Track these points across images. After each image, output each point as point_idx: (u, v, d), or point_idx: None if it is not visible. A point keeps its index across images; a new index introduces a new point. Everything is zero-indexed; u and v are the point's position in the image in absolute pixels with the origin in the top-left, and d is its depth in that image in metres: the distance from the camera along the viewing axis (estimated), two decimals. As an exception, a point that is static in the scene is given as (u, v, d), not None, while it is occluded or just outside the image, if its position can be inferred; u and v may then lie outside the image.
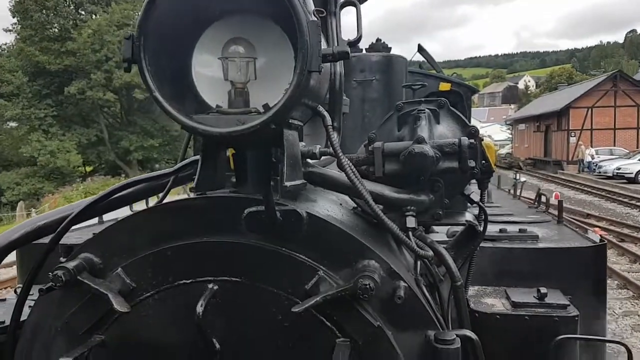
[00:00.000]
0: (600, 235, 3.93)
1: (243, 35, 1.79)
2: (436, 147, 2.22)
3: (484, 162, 2.34)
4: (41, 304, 2.13)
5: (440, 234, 3.82)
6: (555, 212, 4.99)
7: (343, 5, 2.75)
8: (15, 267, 14.97)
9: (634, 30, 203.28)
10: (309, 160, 2.13)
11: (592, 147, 45.08)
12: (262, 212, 1.84)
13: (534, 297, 2.81)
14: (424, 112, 2.43)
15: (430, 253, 2.14)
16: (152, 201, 2.87)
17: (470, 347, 2.00)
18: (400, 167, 2.23)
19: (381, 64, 5.10)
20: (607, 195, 29.97)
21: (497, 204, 6.46)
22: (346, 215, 2.29)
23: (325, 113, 1.93)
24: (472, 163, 2.24)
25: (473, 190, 2.52)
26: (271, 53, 1.84)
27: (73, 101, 52.79)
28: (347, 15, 2.93)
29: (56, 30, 52.22)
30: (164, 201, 2.34)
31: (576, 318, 2.68)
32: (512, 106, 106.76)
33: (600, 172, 38.68)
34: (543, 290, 2.78)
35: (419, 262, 2.28)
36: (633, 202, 26.68)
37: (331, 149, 1.88)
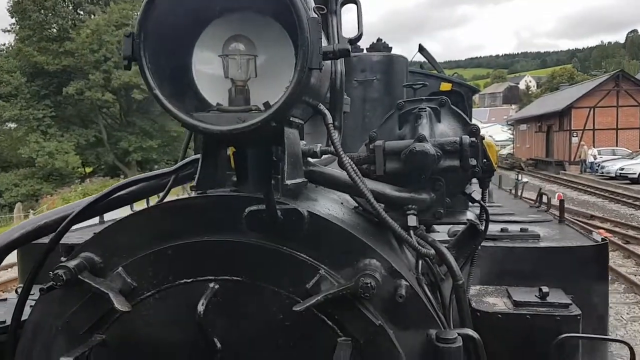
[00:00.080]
0: (606, 237, 3.91)
1: (243, 33, 1.79)
2: (437, 146, 2.22)
3: (485, 160, 2.34)
4: (42, 304, 2.13)
5: (441, 233, 3.81)
6: (557, 212, 4.98)
7: (343, 3, 2.75)
8: (13, 268, 15.05)
9: (635, 31, 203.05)
10: (309, 159, 2.13)
11: (594, 147, 44.84)
12: (263, 211, 1.84)
13: (536, 296, 2.80)
14: (425, 111, 2.42)
15: (432, 251, 2.13)
16: (153, 201, 2.87)
17: (472, 346, 2.00)
18: (401, 166, 2.23)
19: (382, 63, 5.10)
20: (611, 196, 29.55)
21: (498, 204, 6.45)
22: (347, 214, 2.29)
23: (326, 111, 1.93)
24: (473, 161, 2.24)
25: (474, 189, 2.51)
26: (272, 50, 1.84)
27: (71, 102, 52.62)
28: (347, 14, 2.92)
29: (55, 30, 52.04)
30: (165, 200, 2.33)
31: (578, 317, 2.67)
32: (513, 106, 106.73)
33: (602, 173, 38.33)
34: (545, 289, 2.77)
35: (420, 261, 2.27)
36: (637, 202, 26.20)
37: (332, 147, 1.87)
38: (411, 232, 2.12)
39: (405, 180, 2.27)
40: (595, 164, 41.24)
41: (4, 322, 2.31)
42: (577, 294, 2.97)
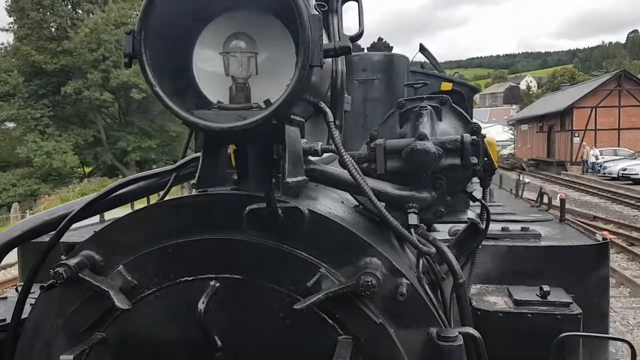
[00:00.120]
0: (610, 239, 3.91)
1: (244, 30, 1.78)
2: (438, 144, 2.22)
3: (486, 159, 2.33)
4: (42, 302, 2.13)
5: (442, 232, 3.81)
6: (558, 212, 4.98)
7: (344, 0, 2.75)
8: (11, 268, 15.06)
9: (635, 31, 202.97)
10: (310, 158, 2.12)
11: (596, 147, 44.70)
12: (263, 209, 1.84)
13: (537, 295, 2.80)
14: (426, 109, 2.42)
15: (433, 250, 2.13)
16: (153, 200, 2.87)
17: (473, 345, 2.00)
18: (402, 164, 2.23)
19: (383, 63, 5.10)
20: (613, 197, 29.14)
21: (499, 203, 6.45)
22: (348, 213, 2.28)
23: (327, 109, 1.93)
24: (474, 160, 2.23)
25: (475, 188, 2.51)
26: (272, 48, 1.84)
27: (70, 101, 52.20)
28: (348, 12, 2.92)
29: (53, 29, 51.82)
30: (165, 199, 2.33)
31: (579, 316, 2.67)
32: (514, 107, 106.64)
33: (604, 173, 38.06)
34: (546, 288, 2.77)
35: (421, 260, 2.27)
36: (640, 203, 25.73)
37: (333, 145, 1.87)
38: (412, 230, 2.12)
39: (406, 179, 2.26)
40: (597, 164, 41.05)
41: (4, 320, 2.31)
42: (578, 293, 2.97)
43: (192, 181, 1.94)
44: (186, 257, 1.93)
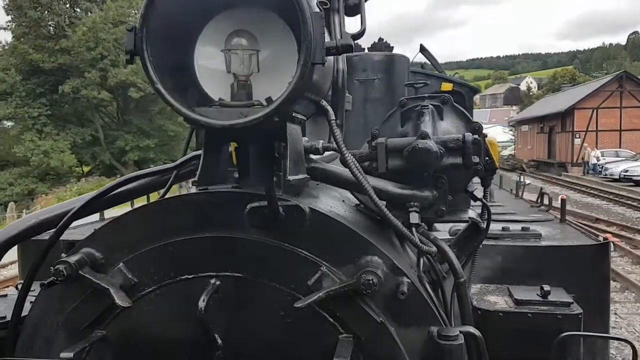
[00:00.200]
0: (613, 242, 3.91)
1: (246, 28, 1.78)
2: (440, 143, 2.21)
3: (487, 158, 2.33)
4: (42, 299, 2.13)
5: (442, 232, 3.81)
6: (558, 213, 4.97)
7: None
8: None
9: (636, 32, 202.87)
10: (311, 156, 2.12)
11: (597, 148, 44.57)
12: (264, 207, 1.83)
13: (537, 294, 2.80)
14: (428, 108, 2.42)
15: (434, 249, 2.13)
16: (153, 198, 2.87)
17: (474, 344, 1.99)
18: (403, 163, 2.22)
19: (383, 63, 5.11)
20: (615, 198, 28.64)
21: (500, 203, 6.45)
22: (349, 212, 2.28)
23: (329, 108, 1.93)
24: (475, 159, 2.23)
25: (476, 187, 2.51)
26: (274, 46, 1.84)
27: (67, 100, 51.78)
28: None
29: (51, 28, 51.50)
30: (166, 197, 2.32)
31: (580, 316, 2.67)
32: (514, 107, 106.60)
33: (606, 175, 37.73)
34: (546, 288, 2.77)
35: (422, 259, 2.27)
36: (643, 205, 25.12)
37: (334, 144, 1.87)
38: (413, 229, 2.12)
39: (407, 178, 2.26)
40: (598, 165, 40.91)
41: (5, 317, 2.31)
42: (579, 293, 2.97)
43: (193, 179, 1.93)
44: (187, 255, 1.93)
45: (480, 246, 2.68)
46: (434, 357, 1.84)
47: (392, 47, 5.56)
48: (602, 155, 42.40)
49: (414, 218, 2.18)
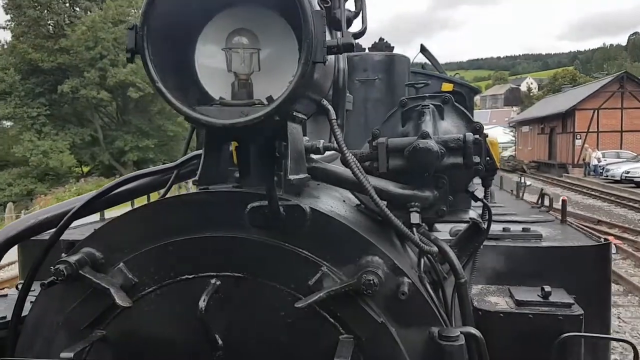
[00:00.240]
0: (616, 244, 3.91)
1: (247, 27, 1.78)
2: (441, 143, 2.21)
3: (488, 158, 2.33)
4: (43, 299, 2.12)
5: (443, 232, 3.80)
6: (559, 214, 4.97)
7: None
8: (10, 267, 15.05)
9: (636, 33, 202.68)
10: (312, 156, 2.12)
11: (598, 149, 44.43)
12: (265, 207, 1.83)
13: (538, 295, 2.79)
14: (428, 108, 2.41)
15: (435, 249, 2.12)
16: (153, 198, 2.86)
17: (474, 345, 1.99)
18: (404, 163, 2.22)
19: (384, 63, 5.11)
20: (617, 200, 28.30)
21: (500, 204, 6.44)
22: (349, 212, 2.28)
23: (330, 107, 1.92)
24: (476, 159, 2.22)
25: (476, 188, 2.50)
26: (275, 44, 1.83)
27: (67, 100, 51.48)
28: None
29: (50, 27, 51.24)
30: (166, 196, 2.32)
31: (581, 317, 2.66)
32: (515, 108, 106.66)
33: (607, 176, 37.40)
34: (547, 288, 2.76)
35: (422, 259, 2.26)
36: (645, 207, 24.79)
37: (335, 144, 1.86)
38: (414, 229, 2.11)
39: (408, 178, 2.26)
40: (599, 166, 40.72)
41: (5, 317, 2.30)
42: (579, 294, 2.96)
43: (194, 179, 1.93)
44: (187, 255, 1.93)
45: (481, 246, 2.67)
46: (435, 357, 1.84)
47: (393, 47, 5.56)
48: (603, 157, 42.16)
49: (415, 218, 2.17)
